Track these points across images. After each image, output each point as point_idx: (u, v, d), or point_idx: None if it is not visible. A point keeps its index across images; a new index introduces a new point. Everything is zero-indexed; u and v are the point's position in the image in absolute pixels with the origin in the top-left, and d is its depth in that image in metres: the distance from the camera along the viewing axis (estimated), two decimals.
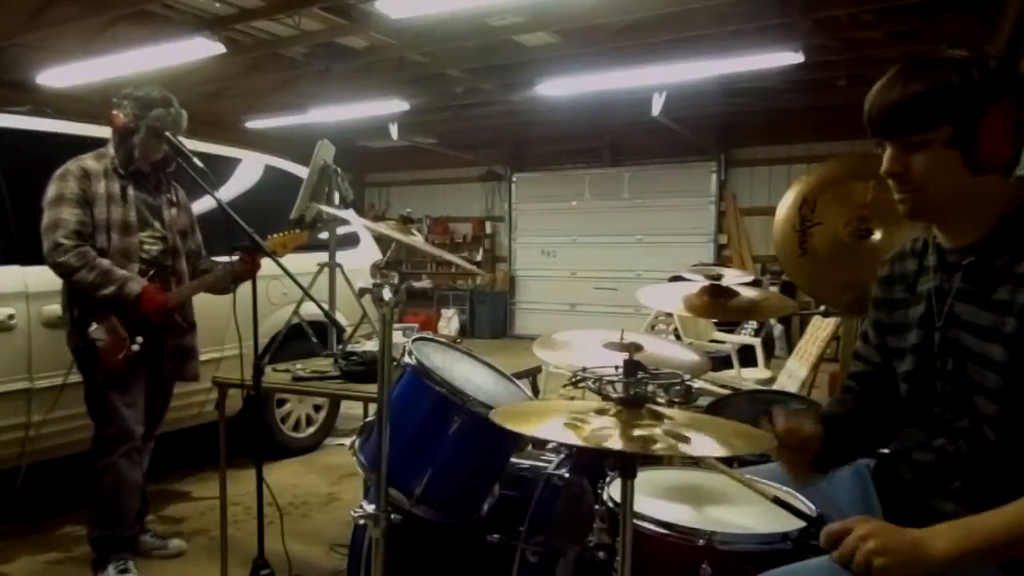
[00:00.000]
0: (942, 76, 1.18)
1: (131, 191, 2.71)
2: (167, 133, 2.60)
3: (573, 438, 1.20)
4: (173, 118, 2.67)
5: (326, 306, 3.01)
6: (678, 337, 5.29)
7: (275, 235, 2.73)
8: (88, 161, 2.69)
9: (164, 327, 2.71)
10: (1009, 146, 1.19)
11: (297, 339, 3.26)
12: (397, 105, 7.91)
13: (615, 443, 1.17)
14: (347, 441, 2.21)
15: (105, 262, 2.58)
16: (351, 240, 4.39)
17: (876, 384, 1.47)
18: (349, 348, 2.73)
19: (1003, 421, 1.19)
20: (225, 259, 2.70)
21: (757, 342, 5.75)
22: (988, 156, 1.18)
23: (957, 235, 1.27)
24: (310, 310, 3.00)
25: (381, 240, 4.23)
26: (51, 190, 2.61)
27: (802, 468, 1.40)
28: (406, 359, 1.82)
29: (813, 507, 1.50)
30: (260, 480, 2.44)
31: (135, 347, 2.62)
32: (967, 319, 1.24)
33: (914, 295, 1.37)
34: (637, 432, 1.23)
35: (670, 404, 1.35)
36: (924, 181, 1.22)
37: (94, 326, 2.59)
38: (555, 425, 1.26)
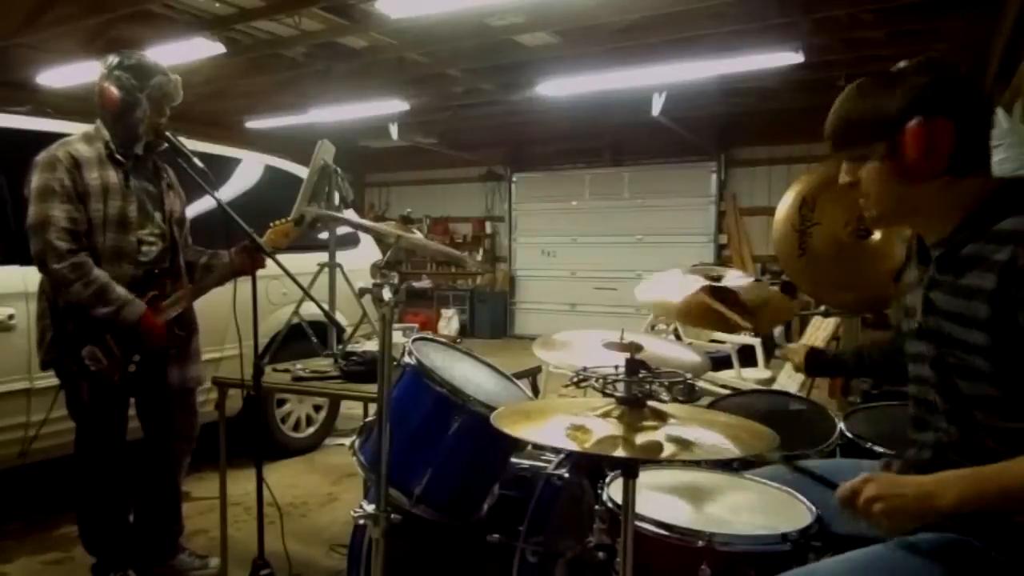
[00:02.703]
0: (878, 96, 1.29)
1: (131, 180, 2.46)
2: (169, 133, 2.49)
3: (576, 447, 1.20)
4: (174, 84, 2.48)
5: (326, 306, 3.00)
6: (678, 337, 5.29)
7: (276, 223, 2.67)
8: (78, 146, 2.41)
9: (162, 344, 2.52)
10: (936, 158, 1.25)
11: (297, 339, 3.26)
12: (397, 105, 7.90)
13: (619, 451, 1.17)
14: (347, 441, 2.21)
15: (102, 276, 2.35)
16: (351, 240, 4.39)
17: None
18: (349, 348, 2.72)
19: (1003, 401, 1.21)
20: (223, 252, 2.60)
21: (757, 342, 5.74)
22: (912, 165, 1.26)
23: (928, 233, 1.35)
24: (310, 310, 2.99)
25: (381, 240, 4.23)
26: (37, 180, 2.33)
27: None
28: (406, 359, 1.82)
29: (814, 508, 1.50)
30: (260, 480, 2.43)
31: (131, 367, 2.43)
32: (944, 307, 1.28)
33: (909, 284, 1.44)
34: (641, 436, 1.22)
35: (672, 403, 1.35)
36: (868, 191, 1.34)
37: (88, 347, 2.37)
38: (557, 428, 1.26)
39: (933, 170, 1.26)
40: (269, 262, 2.54)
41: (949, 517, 1.23)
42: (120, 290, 2.39)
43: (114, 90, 2.43)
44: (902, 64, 1.31)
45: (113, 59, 2.48)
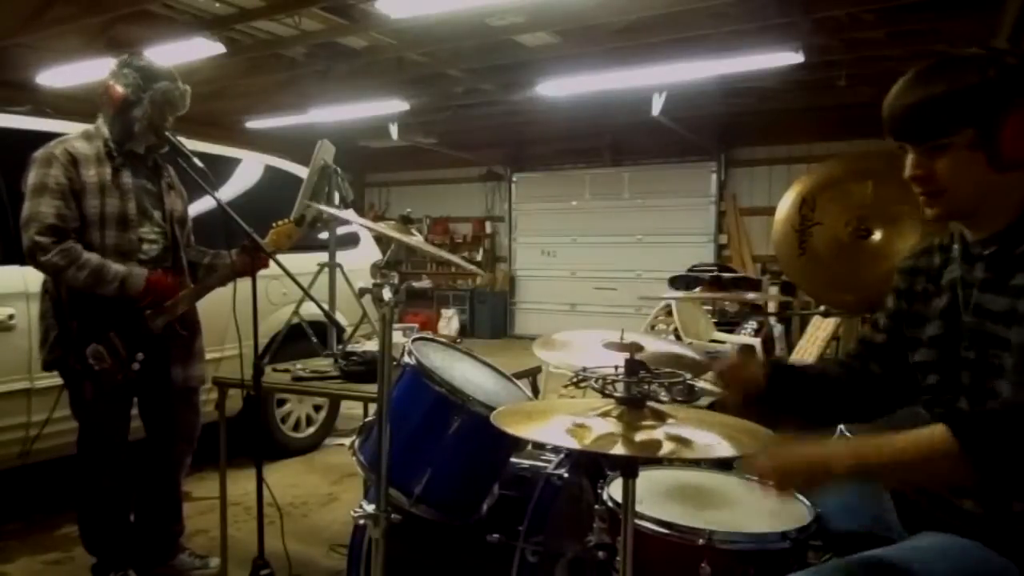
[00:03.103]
0: (960, 78, 1.18)
1: (128, 178, 2.46)
2: (168, 134, 2.48)
3: (576, 443, 1.20)
4: (181, 93, 2.48)
5: (326, 306, 3.01)
6: (678, 337, 5.29)
7: (277, 223, 2.66)
8: (77, 143, 2.42)
9: (165, 340, 2.53)
10: None
11: (297, 339, 3.26)
12: (397, 105, 7.91)
13: (618, 449, 1.17)
14: (347, 441, 2.21)
15: (94, 257, 2.34)
16: (351, 240, 4.39)
17: (866, 365, 1.51)
18: (349, 348, 2.73)
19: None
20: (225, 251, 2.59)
21: (757, 342, 5.75)
22: (1012, 155, 1.18)
23: (981, 228, 1.28)
24: (310, 310, 3.00)
25: (381, 240, 4.23)
26: (33, 175, 2.34)
27: (736, 399, 1.53)
28: (406, 359, 1.82)
29: (814, 506, 1.50)
30: (260, 480, 2.43)
31: (135, 366, 2.43)
32: (989, 307, 1.24)
33: (937, 287, 1.37)
34: (640, 435, 1.23)
35: (672, 403, 1.35)
36: (948, 184, 1.23)
37: (93, 346, 2.37)
38: (556, 428, 1.26)
39: None
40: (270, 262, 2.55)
41: (955, 518, 1.24)
42: (116, 265, 2.38)
43: (118, 87, 2.45)
44: (974, 49, 1.21)
45: (124, 58, 2.51)
